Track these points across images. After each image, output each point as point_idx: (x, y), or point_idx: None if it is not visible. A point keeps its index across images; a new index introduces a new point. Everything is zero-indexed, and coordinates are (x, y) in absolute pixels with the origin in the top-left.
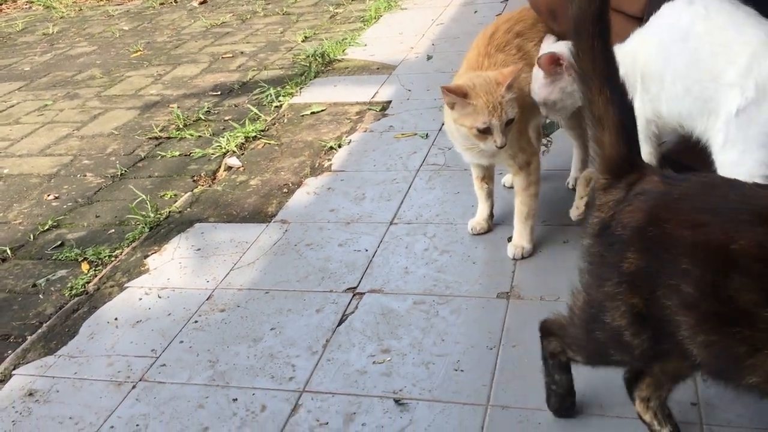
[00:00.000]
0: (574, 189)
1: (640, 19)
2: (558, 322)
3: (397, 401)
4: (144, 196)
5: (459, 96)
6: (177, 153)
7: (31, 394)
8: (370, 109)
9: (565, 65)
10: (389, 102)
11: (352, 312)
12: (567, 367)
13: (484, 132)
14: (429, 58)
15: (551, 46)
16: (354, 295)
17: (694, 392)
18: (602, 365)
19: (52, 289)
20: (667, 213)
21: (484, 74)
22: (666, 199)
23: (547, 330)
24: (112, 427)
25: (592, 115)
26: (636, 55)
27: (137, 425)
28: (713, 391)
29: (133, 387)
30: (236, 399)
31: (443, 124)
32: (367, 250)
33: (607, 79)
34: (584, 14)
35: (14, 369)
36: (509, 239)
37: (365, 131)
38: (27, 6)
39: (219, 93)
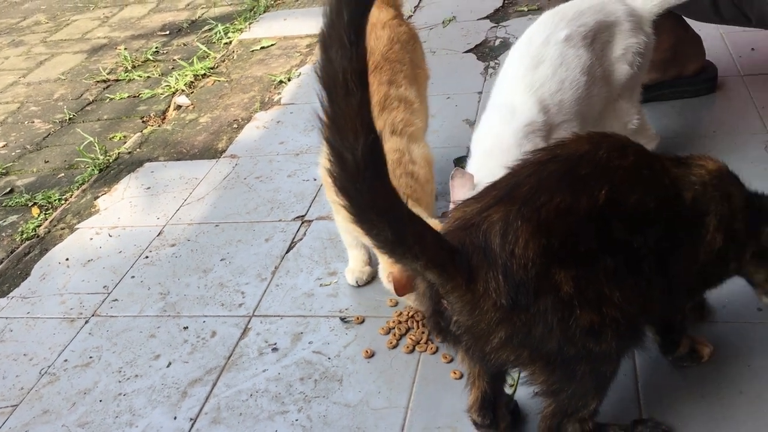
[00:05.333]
0: None
1: None
2: (549, 416)
3: (342, 319)
4: (92, 139)
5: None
6: (126, 95)
7: None
8: None
9: None
10: None
11: (301, 239)
12: (600, 424)
13: None
14: None
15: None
16: (302, 222)
17: None
18: (608, 387)
19: (3, 234)
20: (544, 216)
21: None
22: (529, 209)
23: (555, 431)
24: (65, 360)
25: (410, 242)
26: None
27: (90, 357)
28: None
29: (86, 322)
30: (187, 327)
31: None
32: (315, 180)
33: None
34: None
35: None
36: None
37: (315, 64)
38: None
39: (168, 33)
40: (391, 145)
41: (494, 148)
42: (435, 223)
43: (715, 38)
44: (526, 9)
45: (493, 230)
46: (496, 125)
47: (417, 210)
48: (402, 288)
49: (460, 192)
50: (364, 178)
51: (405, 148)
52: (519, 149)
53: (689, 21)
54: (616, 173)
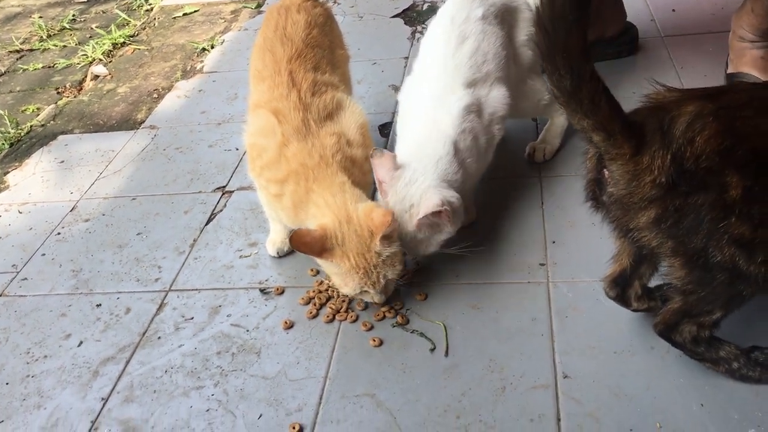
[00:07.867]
0: None
1: None
2: (671, 313)
3: (262, 291)
4: (3, 112)
5: (322, 252)
6: (40, 65)
7: None
8: (246, 7)
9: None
10: None
11: (221, 210)
12: (717, 338)
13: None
14: None
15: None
16: (223, 193)
17: (543, 255)
18: (739, 305)
19: None
20: (740, 125)
21: (355, 218)
22: (727, 113)
23: (670, 328)
24: None
25: (584, 99)
26: None
27: None
28: (558, 253)
29: None
30: (100, 304)
31: None
32: (237, 149)
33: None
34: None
35: None
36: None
37: (239, 30)
38: None
39: (85, 0)
40: (328, 130)
41: (431, 132)
42: (371, 205)
43: (637, 0)
44: None
45: (681, 118)
46: (434, 109)
47: (357, 193)
48: (297, 243)
49: (382, 171)
50: (567, 18)
51: (341, 130)
52: (457, 129)
53: None
54: None
